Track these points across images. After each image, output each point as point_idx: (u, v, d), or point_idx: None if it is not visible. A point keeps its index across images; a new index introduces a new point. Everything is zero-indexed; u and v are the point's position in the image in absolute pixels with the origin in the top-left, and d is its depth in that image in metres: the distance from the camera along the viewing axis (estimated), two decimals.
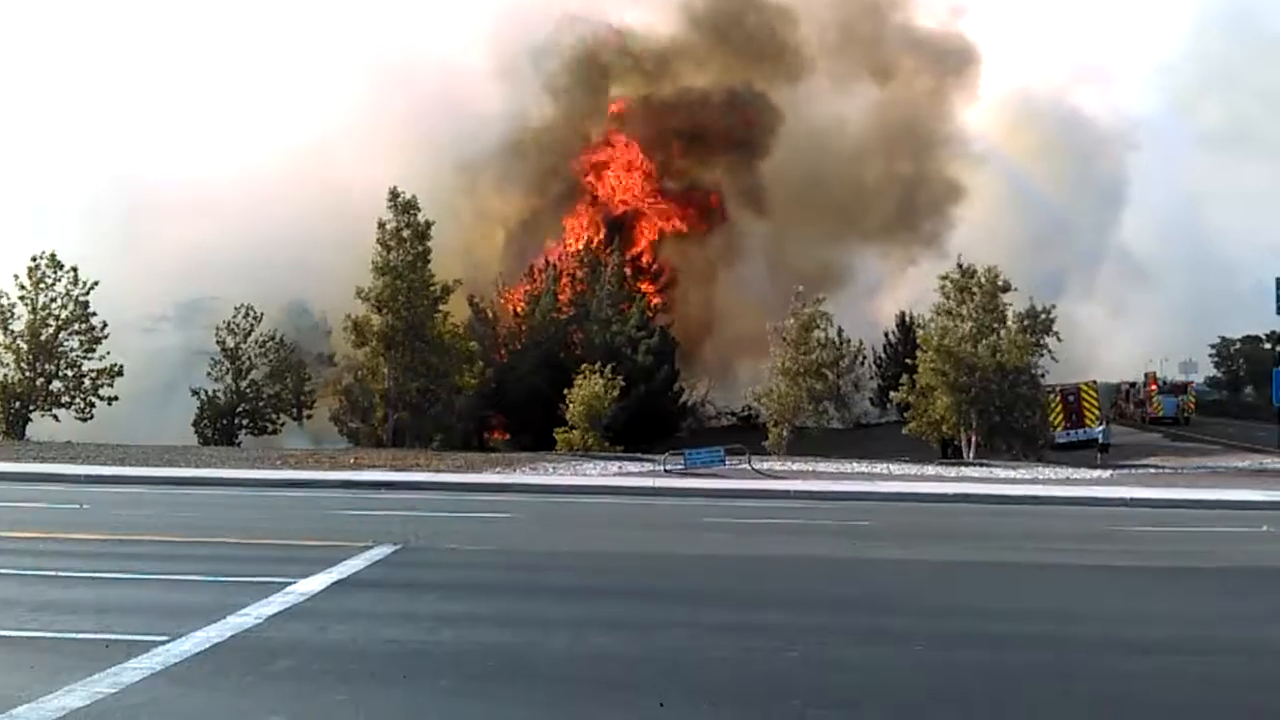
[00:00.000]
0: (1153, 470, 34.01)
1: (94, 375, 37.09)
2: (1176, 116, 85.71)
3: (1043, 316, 38.06)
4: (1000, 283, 37.45)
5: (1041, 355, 38.03)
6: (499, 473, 27.59)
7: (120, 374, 37.36)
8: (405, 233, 36.76)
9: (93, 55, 56.12)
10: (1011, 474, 30.75)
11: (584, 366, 39.20)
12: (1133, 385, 72.00)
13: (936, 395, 37.09)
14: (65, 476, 24.03)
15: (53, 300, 36.79)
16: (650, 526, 18.78)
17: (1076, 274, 68.44)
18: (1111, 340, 74.81)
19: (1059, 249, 66.71)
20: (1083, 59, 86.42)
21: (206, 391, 43.32)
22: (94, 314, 37.06)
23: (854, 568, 14.08)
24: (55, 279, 36.83)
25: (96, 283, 36.96)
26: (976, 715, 7.62)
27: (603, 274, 50.42)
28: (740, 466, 29.78)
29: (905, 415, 39.31)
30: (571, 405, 37.48)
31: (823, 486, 25.66)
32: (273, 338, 44.25)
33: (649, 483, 25.81)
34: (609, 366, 38.92)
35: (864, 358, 43.33)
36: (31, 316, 36.64)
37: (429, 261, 37.13)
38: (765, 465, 31.02)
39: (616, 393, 37.96)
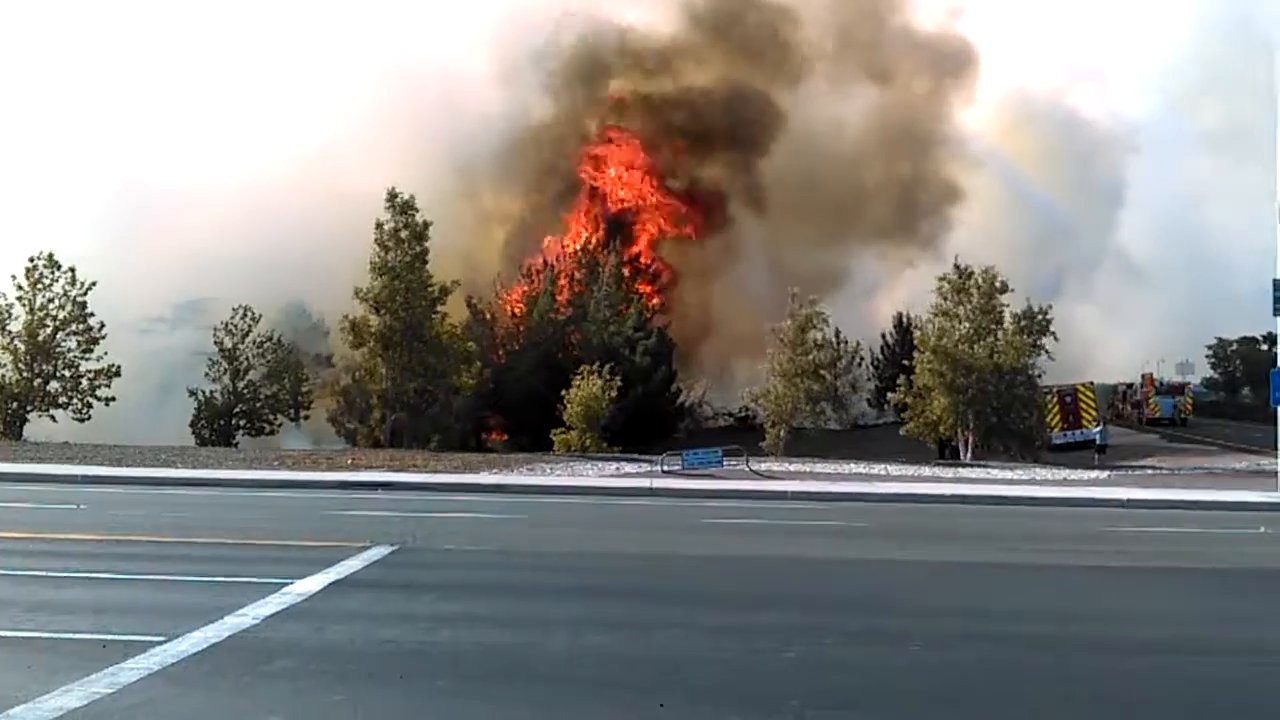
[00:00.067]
0: (1150, 471, 34.06)
1: (91, 376, 37.09)
2: (1175, 118, 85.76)
3: (1039, 317, 38.13)
4: (998, 284, 37.50)
5: (1038, 356, 38.08)
6: (496, 473, 27.59)
7: (118, 374, 37.36)
8: (403, 233, 36.80)
9: (97, 60, 56.06)
10: (1009, 475, 30.78)
11: (582, 367, 39.21)
12: (1130, 386, 72.11)
13: (934, 396, 37.14)
14: (62, 477, 24.02)
15: (50, 301, 36.79)
16: (648, 527, 18.77)
17: (1074, 275, 68.58)
18: (1108, 341, 74.93)
19: (1057, 250, 66.81)
20: (1081, 61, 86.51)
21: (204, 392, 43.32)
22: (92, 315, 37.06)
23: (852, 568, 14.08)
24: (53, 279, 36.83)
25: (94, 283, 36.97)
26: (975, 716, 7.62)
27: (601, 275, 50.41)
28: (738, 467, 29.79)
29: (902, 416, 39.35)
30: (569, 406, 37.48)
31: (820, 487, 25.67)
32: (270, 338, 44.24)
33: (646, 483, 25.81)
34: (607, 367, 38.92)
35: (861, 359, 43.37)
36: (29, 317, 36.64)
37: (427, 262, 37.16)
38: (763, 466, 31.03)
39: (614, 393, 37.97)
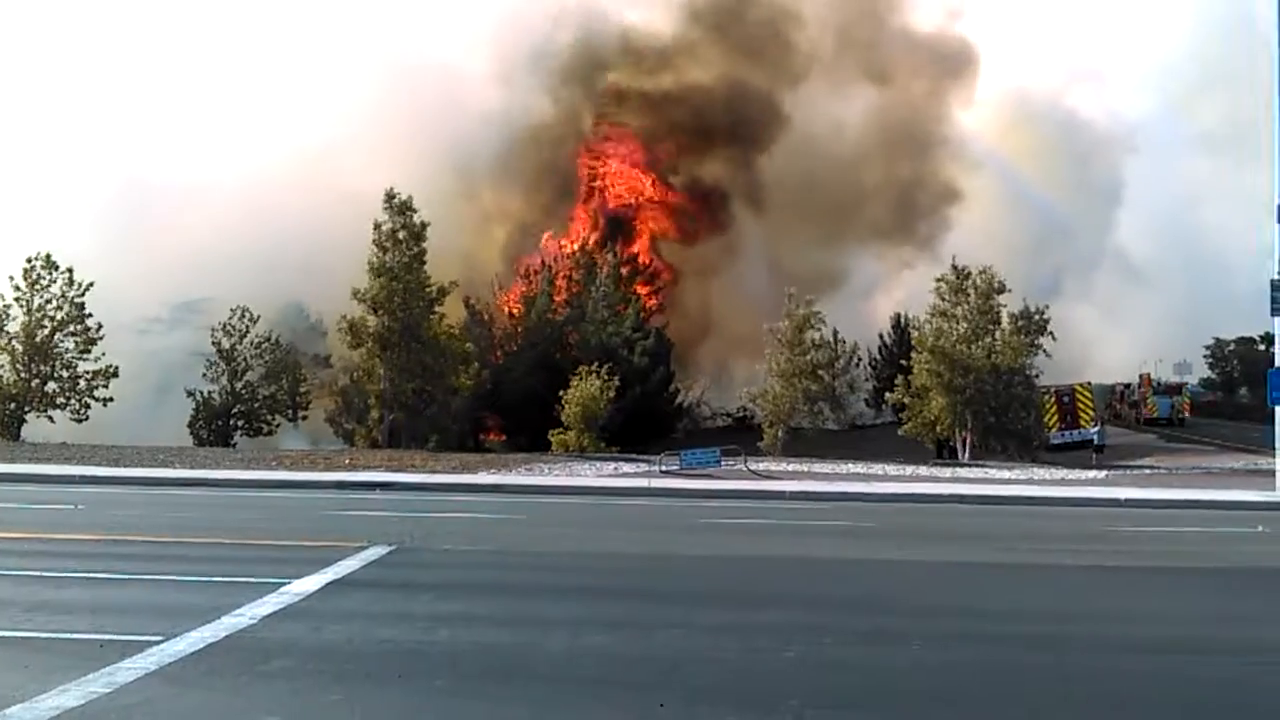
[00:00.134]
0: (1147, 471, 34.09)
1: (89, 376, 37.04)
2: (1173, 118, 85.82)
3: (1037, 317, 38.14)
4: (995, 284, 37.52)
5: (1036, 356, 38.09)
6: (495, 473, 27.58)
7: (115, 375, 37.30)
8: (401, 234, 36.78)
9: (97, 60, 55.96)
10: (1006, 475, 30.78)
11: (580, 368, 39.19)
12: (1127, 386, 72.20)
13: (931, 396, 37.17)
14: (60, 477, 24.01)
15: (48, 302, 36.75)
16: (646, 527, 18.77)
17: (1072, 275, 68.65)
18: (1106, 341, 75.01)
19: (1055, 251, 66.89)
20: (1079, 61, 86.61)
21: (202, 392, 43.26)
22: (89, 315, 37.02)
23: (850, 568, 14.08)
24: (50, 280, 36.79)
25: (91, 284, 36.94)
26: (973, 715, 7.62)
27: (598, 275, 50.41)
28: (736, 467, 29.80)
29: (900, 416, 39.37)
30: (567, 406, 37.47)
31: (818, 487, 25.67)
32: (268, 339, 44.19)
33: (645, 483, 25.81)
34: (605, 367, 38.90)
35: (859, 359, 43.38)
36: (27, 318, 36.60)
37: (425, 263, 37.14)
38: (761, 466, 31.03)
39: (612, 394, 37.96)
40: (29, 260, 36.79)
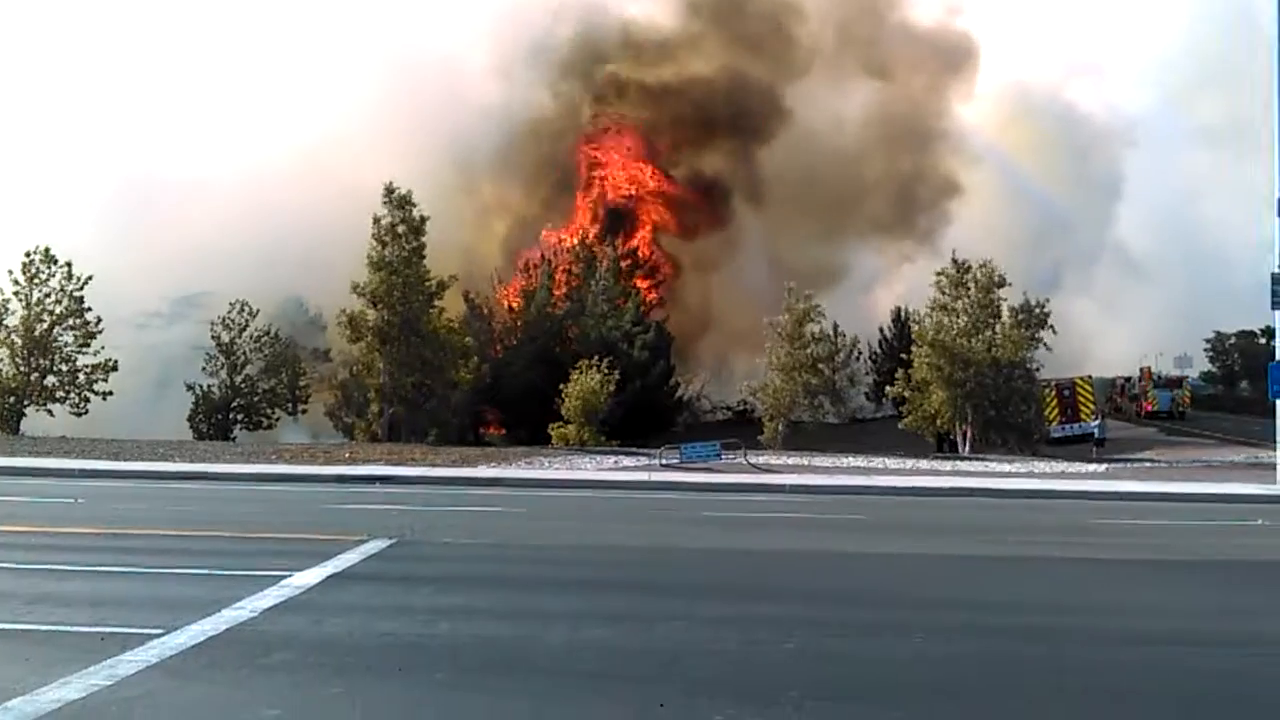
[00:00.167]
0: (1148, 464, 34.09)
1: (88, 370, 37.03)
2: (1172, 112, 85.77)
3: (1037, 311, 38.10)
4: (995, 278, 37.48)
5: (1036, 349, 38.05)
6: (494, 467, 27.58)
7: (115, 369, 37.30)
8: (400, 228, 36.73)
9: (98, 55, 55.90)
10: (1007, 468, 30.77)
11: (580, 361, 39.15)
12: (1128, 380, 72.21)
13: (932, 390, 37.14)
14: (60, 471, 24.03)
15: (47, 295, 36.72)
16: (646, 521, 18.77)
17: (1072, 269, 68.70)
18: (1107, 335, 75.06)
19: (1055, 244, 66.93)
20: (1079, 55, 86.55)
21: (201, 386, 43.27)
22: (89, 309, 37.00)
23: (850, 561, 14.09)
24: (49, 274, 36.76)
25: (90, 277, 36.90)
26: (973, 707, 7.63)
27: (598, 269, 50.39)
28: (736, 461, 29.79)
29: (901, 410, 39.35)
30: (567, 400, 37.46)
31: (818, 481, 25.68)
32: (268, 333, 44.19)
33: (645, 477, 25.82)
34: (604, 361, 38.88)
35: (859, 353, 43.33)
36: (26, 312, 36.57)
37: (424, 257, 37.10)
38: (761, 460, 31.02)
39: (612, 387, 37.93)
40: (28, 254, 36.75)
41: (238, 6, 58.81)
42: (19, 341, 36.52)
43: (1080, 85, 79.03)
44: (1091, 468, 31.44)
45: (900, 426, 39.33)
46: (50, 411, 36.98)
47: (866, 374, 48.34)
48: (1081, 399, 46.69)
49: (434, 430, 37.85)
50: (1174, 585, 12.96)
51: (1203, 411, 67.98)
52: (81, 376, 37.02)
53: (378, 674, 7.85)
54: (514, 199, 62.73)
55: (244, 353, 43.52)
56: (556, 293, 50.18)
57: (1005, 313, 37.73)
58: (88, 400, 37.14)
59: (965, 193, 63.89)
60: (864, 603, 11.07)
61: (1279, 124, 25.46)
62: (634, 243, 62.43)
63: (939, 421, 37.78)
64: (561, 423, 37.90)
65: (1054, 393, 45.05)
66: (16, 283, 36.59)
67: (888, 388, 40.78)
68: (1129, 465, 33.22)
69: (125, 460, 26.43)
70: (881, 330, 56.56)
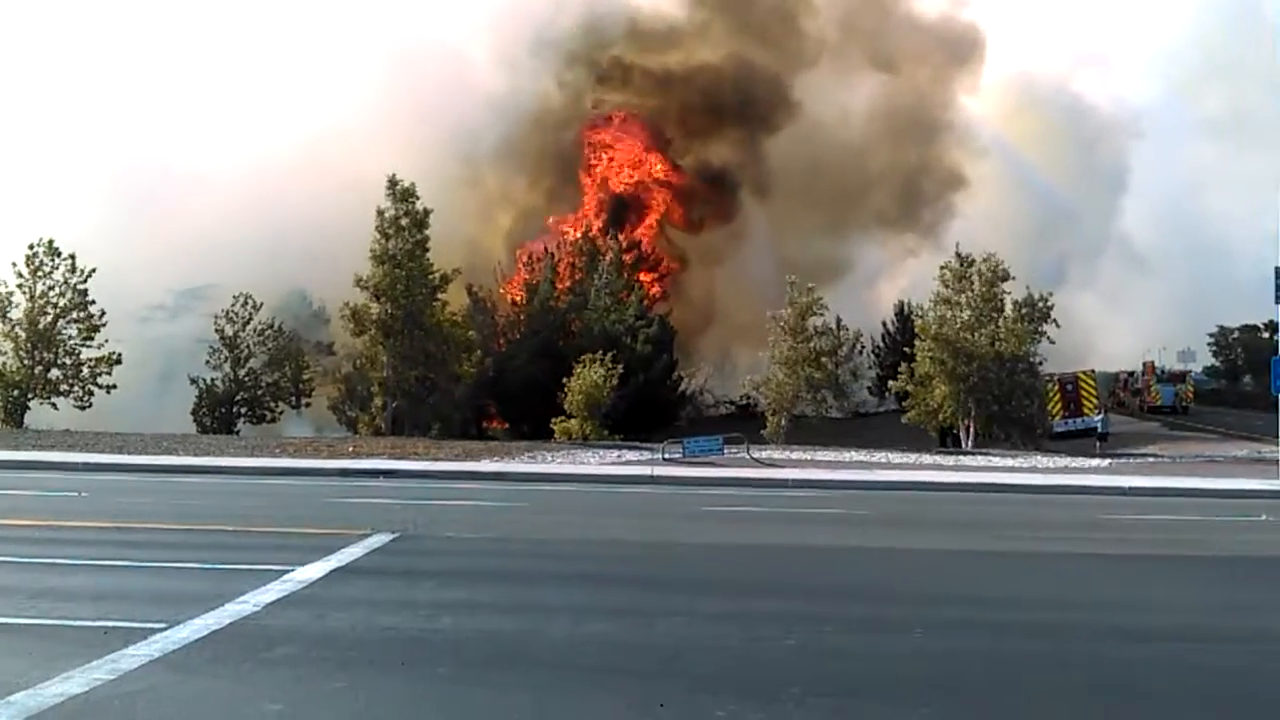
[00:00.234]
0: (1151, 459, 34.06)
1: (92, 363, 37.04)
2: (1178, 104, 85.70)
3: (1041, 304, 38.03)
4: (999, 271, 37.42)
5: (1039, 343, 37.99)
6: (497, 461, 27.60)
7: (119, 362, 37.32)
8: (404, 221, 36.73)
9: (101, 47, 55.78)
10: (1009, 463, 30.75)
11: (583, 355, 39.11)
12: (1131, 374, 72.14)
13: (935, 384, 37.10)
14: (64, 464, 24.05)
15: (51, 288, 36.74)
16: (649, 515, 18.78)
17: (1076, 262, 68.63)
18: (1110, 329, 75.05)
19: (1060, 237, 66.85)
20: (1085, 46, 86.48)
21: (205, 380, 43.29)
22: (93, 302, 37.01)
23: (852, 556, 14.09)
24: (53, 267, 36.77)
25: (94, 270, 36.91)
26: (974, 703, 7.62)
27: (601, 262, 50.33)
28: (739, 455, 29.79)
29: (903, 404, 39.30)
30: (570, 394, 37.42)
31: (821, 475, 25.68)
32: (271, 326, 44.20)
33: (647, 471, 25.83)
34: (608, 355, 38.84)
35: (862, 347, 43.27)
36: (29, 304, 36.59)
37: (428, 250, 37.09)
38: (764, 454, 31.03)
39: (615, 381, 37.89)
40: (31, 247, 36.75)
41: (242, 4, 58.79)
42: (23, 334, 36.52)
43: (1086, 77, 79.08)
44: (1094, 462, 31.41)
45: (903, 421, 39.29)
46: (54, 405, 37.01)
47: (869, 368, 48.26)
48: (1084, 393, 46.63)
49: (437, 424, 37.85)
50: (1178, 581, 12.95)
51: (1206, 406, 67.95)
52: (85, 370, 37.04)
53: (380, 668, 7.86)
54: (518, 191, 62.63)
55: (247, 346, 43.52)
56: (559, 286, 50.12)
57: (1009, 306, 37.67)
58: (91, 394, 37.16)
59: (970, 185, 63.77)
60: (866, 598, 11.07)
61: None
62: (638, 235, 62.32)
63: (942, 416, 37.74)
64: (564, 417, 37.88)
65: (1057, 387, 45.01)
66: (20, 275, 36.58)
67: (890, 382, 40.72)
68: (1132, 460, 33.19)
69: (129, 454, 26.45)
70: (884, 324, 56.44)
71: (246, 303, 43.37)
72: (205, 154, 53.14)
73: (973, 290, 37.45)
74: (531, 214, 61.79)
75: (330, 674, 7.68)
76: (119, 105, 54.09)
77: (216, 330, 43.27)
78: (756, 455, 30.36)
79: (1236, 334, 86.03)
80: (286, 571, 11.05)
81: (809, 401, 38.63)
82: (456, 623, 9.26)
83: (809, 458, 30.46)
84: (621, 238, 56.04)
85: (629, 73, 64.52)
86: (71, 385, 37.00)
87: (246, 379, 43.54)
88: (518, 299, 51.54)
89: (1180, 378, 68.35)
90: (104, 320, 37.22)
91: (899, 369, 39.04)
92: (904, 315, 53.41)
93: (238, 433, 41.18)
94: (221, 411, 43.04)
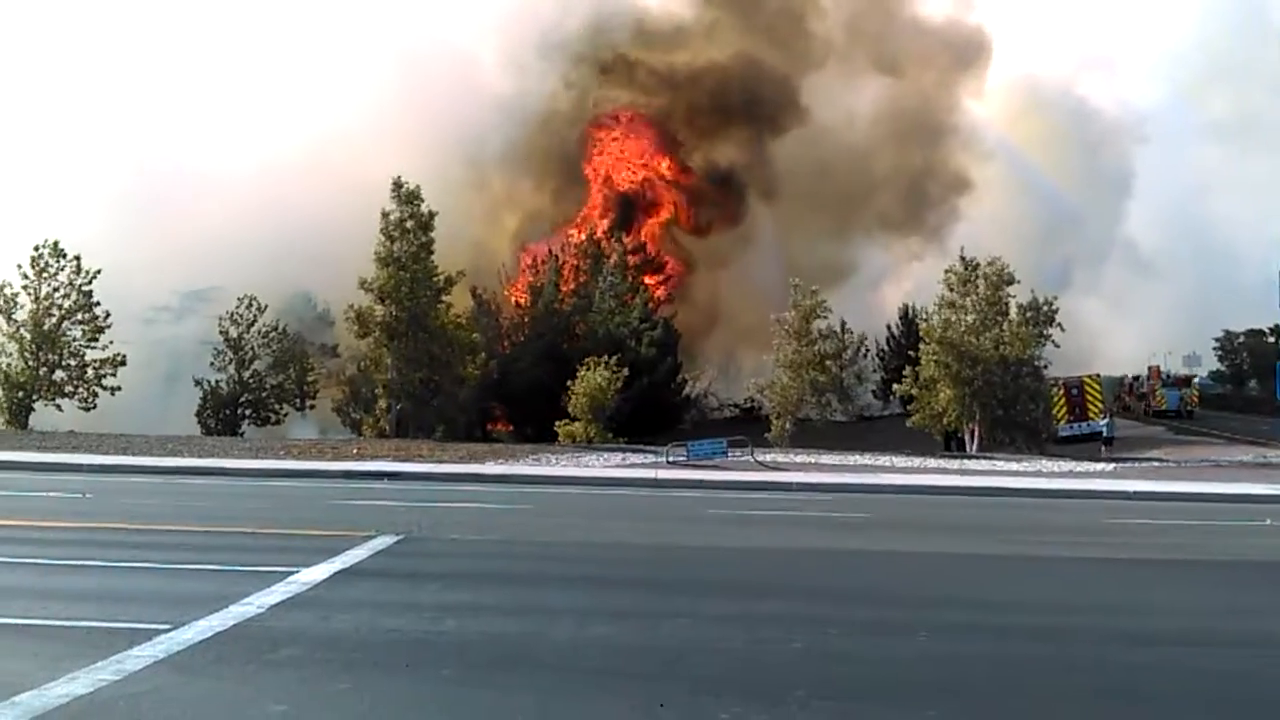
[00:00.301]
0: (1156, 464, 34.01)
1: (97, 365, 37.09)
2: (1183, 107, 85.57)
3: (1045, 308, 37.98)
4: (1004, 275, 37.37)
5: (1044, 347, 37.92)
6: (502, 464, 27.60)
7: (123, 364, 37.37)
8: (409, 223, 36.73)
9: (106, 49, 55.83)
10: (1014, 467, 30.72)
11: (587, 358, 39.13)
12: (1136, 378, 71.99)
13: (939, 388, 37.05)
14: (68, 466, 24.08)
15: (55, 289, 36.80)
16: (653, 518, 18.78)
17: (1081, 266, 68.50)
18: (1115, 333, 74.89)
19: (1065, 241, 66.74)
20: (1090, 49, 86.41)
21: (210, 381, 43.32)
22: (97, 304, 37.07)
23: (857, 559, 14.08)
24: (58, 268, 36.84)
25: (98, 271, 36.96)
26: (979, 706, 7.62)
27: (605, 265, 50.36)
28: (743, 458, 29.79)
29: (908, 408, 39.26)
30: (574, 397, 37.43)
31: (825, 479, 25.66)
32: (276, 328, 44.23)
33: (651, 474, 25.83)
34: (612, 358, 38.85)
35: (867, 350, 43.25)
36: (34, 306, 36.65)
37: (432, 252, 37.11)
38: (768, 457, 31.03)
39: (619, 384, 37.90)
40: (36, 248, 36.82)
41: (250, 2, 58.84)
42: (28, 336, 36.58)
43: (1091, 80, 79.02)
44: (1099, 467, 31.38)
45: (908, 424, 39.24)
46: (59, 406, 37.06)
47: (874, 371, 48.19)
48: (1090, 397, 46.52)
49: (441, 426, 37.85)
50: (1182, 585, 12.93)
51: (1211, 411, 67.81)
52: (90, 371, 37.08)
53: (385, 670, 7.87)
54: (524, 193, 62.59)
55: (252, 348, 43.53)
56: (564, 289, 50.15)
57: (1013, 310, 37.62)
58: (96, 395, 37.20)
59: (975, 189, 63.73)
60: (871, 601, 11.06)
61: None
62: (643, 237, 62.29)
63: (946, 419, 37.69)
64: (568, 419, 37.89)
65: (1062, 391, 44.92)
66: (25, 276, 36.66)
67: (895, 385, 40.67)
68: (1137, 464, 33.15)
69: (133, 455, 26.49)
70: (889, 327, 56.39)
71: (251, 305, 43.39)
72: (211, 156, 53.21)
73: (977, 294, 37.40)
74: (538, 216, 61.81)
75: (335, 675, 7.68)
76: (124, 108, 54.17)
77: (221, 332, 43.28)
78: (761, 458, 30.35)
79: (1242, 338, 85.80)
80: (291, 573, 11.06)
81: (813, 405, 38.60)
82: (461, 625, 9.27)
83: (813, 461, 30.45)
84: (627, 240, 56.08)
85: (636, 71, 64.45)
86: (76, 387, 37.05)
87: (251, 381, 43.56)
88: (522, 301, 51.57)
89: (1185, 382, 68.25)
90: (109, 322, 37.28)
91: (903, 372, 38.97)
92: (908, 318, 53.33)
93: (242, 434, 41.19)
94: (226, 413, 43.06)
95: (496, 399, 45.62)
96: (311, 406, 45.53)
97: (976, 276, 37.51)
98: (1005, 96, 70.77)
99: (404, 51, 56.87)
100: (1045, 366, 38.85)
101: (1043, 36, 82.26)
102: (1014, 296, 37.72)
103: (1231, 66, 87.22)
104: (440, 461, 27.47)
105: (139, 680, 7.45)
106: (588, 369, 37.82)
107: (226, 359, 43.23)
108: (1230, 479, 27.94)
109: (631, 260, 54.75)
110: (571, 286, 50.42)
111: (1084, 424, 44.35)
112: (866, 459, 31.09)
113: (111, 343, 37.36)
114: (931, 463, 31.06)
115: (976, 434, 37.13)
